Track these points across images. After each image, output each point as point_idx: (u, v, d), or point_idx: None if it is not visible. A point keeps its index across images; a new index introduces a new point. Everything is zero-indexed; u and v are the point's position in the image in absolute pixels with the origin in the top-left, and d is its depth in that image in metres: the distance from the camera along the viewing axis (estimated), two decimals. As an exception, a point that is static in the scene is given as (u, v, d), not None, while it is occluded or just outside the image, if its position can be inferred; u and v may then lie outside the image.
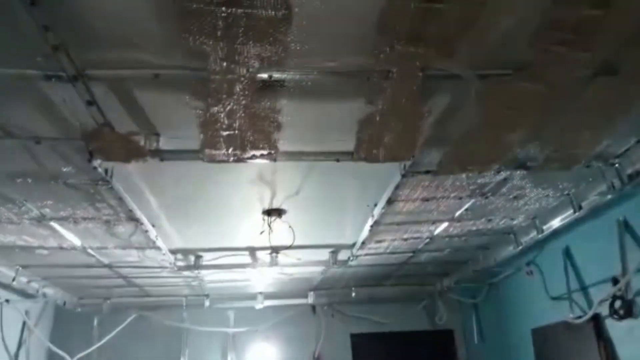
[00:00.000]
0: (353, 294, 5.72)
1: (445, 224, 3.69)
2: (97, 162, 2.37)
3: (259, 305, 5.67)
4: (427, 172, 2.71)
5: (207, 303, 5.64)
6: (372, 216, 3.43)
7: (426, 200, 3.17)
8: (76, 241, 3.58)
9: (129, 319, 5.42)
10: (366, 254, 4.36)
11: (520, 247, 4.02)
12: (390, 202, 3.10)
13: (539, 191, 3.16)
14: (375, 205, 3.30)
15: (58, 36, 1.58)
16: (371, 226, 3.52)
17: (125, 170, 2.61)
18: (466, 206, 3.32)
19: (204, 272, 4.64)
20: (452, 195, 3.14)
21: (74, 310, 5.49)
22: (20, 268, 4.22)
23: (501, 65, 1.93)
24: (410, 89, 1.95)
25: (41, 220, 3.13)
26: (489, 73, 1.94)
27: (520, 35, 1.78)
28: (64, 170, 2.55)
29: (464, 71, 1.90)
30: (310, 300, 5.84)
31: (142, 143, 2.30)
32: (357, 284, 5.65)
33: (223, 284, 5.28)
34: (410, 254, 4.49)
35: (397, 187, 2.88)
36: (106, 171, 2.51)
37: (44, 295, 4.87)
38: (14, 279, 4.20)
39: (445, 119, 2.34)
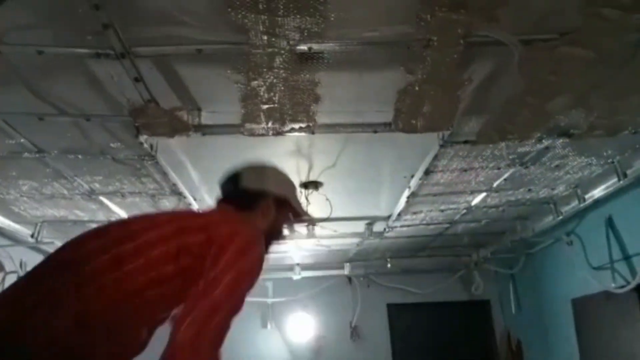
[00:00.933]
0: (389, 265, 5.77)
1: (483, 195, 3.65)
2: (143, 138, 2.46)
3: (297, 276, 5.81)
4: (466, 142, 2.69)
5: (246, 274, 5.80)
6: (409, 187, 3.43)
7: (464, 170, 3.14)
8: (123, 215, 3.74)
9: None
10: (402, 226, 4.38)
11: (560, 217, 3.95)
12: (427, 173, 3.09)
13: (582, 160, 3.08)
14: (412, 176, 3.30)
15: (107, 15, 1.64)
16: (407, 197, 3.53)
17: (168, 145, 2.69)
18: (505, 176, 3.28)
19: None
20: (491, 165, 3.10)
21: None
22: (72, 241, 4.45)
23: (547, 30, 1.88)
24: (451, 57, 1.92)
25: (91, 194, 3.28)
26: (534, 38, 1.89)
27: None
28: (112, 146, 2.66)
29: (507, 37, 1.86)
30: (346, 271, 5.93)
31: (185, 118, 2.37)
32: (392, 255, 5.69)
33: (262, 256, 5.41)
34: (447, 225, 4.48)
35: (435, 158, 2.87)
36: (151, 146, 2.60)
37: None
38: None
39: (486, 86, 2.30)
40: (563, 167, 3.18)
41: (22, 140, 2.45)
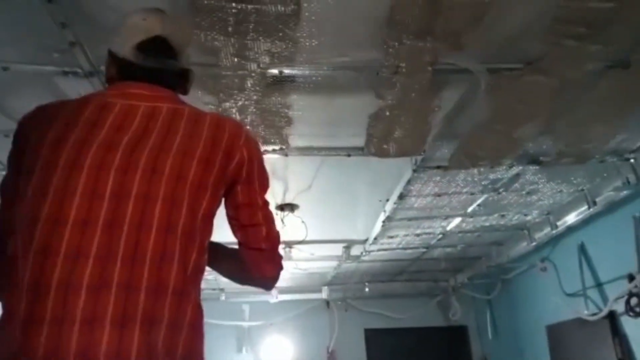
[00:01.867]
0: (366, 289, 5.73)
1: (457, 220, 3.68)
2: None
3: (274, 299, 5.72)
4: (439, 167, 2.72)
5: (222, 297, 5.71)
6: (384, 211, 3.44)
7: (438, 195, 3.17)
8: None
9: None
10: (379, 250, 4.37)
11: (534, 243, 3.99)
12: (402, 197, 3.11)
13: (553, 186, 3.14)
14: (387, 200, 3.31)
15: (74, 33, 1.63)
16: (383, 221, 3.54)
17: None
18: (479, 201, 3.31)
19: (218, 266, 4.70)
20: (465, 190, 3.14)
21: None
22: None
23: (512, 59, 1.93)
24: (419, 83, 1.96)
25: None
26: (500, 67, 1.94)
27: (531, 28, 1.78)
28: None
29: (473, 65, 1.90)
30: (324, 295, 5.87)
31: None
32: (370, 280, 5.67)
33: (238, 278, 5.34)
34: (424, 250, 4.49)
35: (408, 182, 2.89)
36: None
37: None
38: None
39: (456, 113, 2.34)
40: (535, 193, 3.23)
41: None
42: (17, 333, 0.80)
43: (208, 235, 1.02)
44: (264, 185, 1.15)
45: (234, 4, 1.54)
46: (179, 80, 1.22)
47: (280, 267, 1.16)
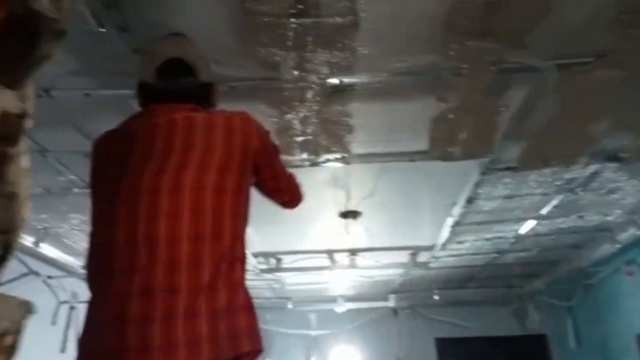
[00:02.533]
0: (436, 297, 5.59)
1: (531, 223, 3.50)
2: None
3: (340, 308, 5.72)
4: (508, 168, 2.61)
5: (289, 305, 5.79)
6: (452, 216, 3.34)
7: (509, 197, 3.04)
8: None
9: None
10: (447, 256, 4.25)
11: (617, 245, 3.71)
12: (470, 201, 3.01)
13: (636, 184, 2.91)
14: (454, 204, 3.22)
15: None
16: (451, 226, 3.44)
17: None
18: (554, 203, 3.14)
19: (284, 274, 4.78)
20: (538, 191, 2.98)
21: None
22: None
23: (580, 53, 1.82)
24: (483, 84, 1.89)
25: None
26: (568, 62, 1.83)
27: (598, 21, 1.67)
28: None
29: (540, 63, 1.81)
30: (391, 303, 5.79)
31: (223, 152, 2.43)
32: (439, 287, 5.52)
33: (304, 287, 5.40)
34: (495, 255, 4.31)
35: (476, 185, 2.80)
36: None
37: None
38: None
39: (525, 112, 2.24)
40: (616, 191, 3.02)
41: (71, 176, 2.60)
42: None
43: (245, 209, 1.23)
44: (278, 157, 1.44)
45: (293, 20, 1.58)
46: (202, 94, 1.33)
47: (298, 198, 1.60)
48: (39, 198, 2.79)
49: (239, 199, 1.17)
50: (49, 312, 3.98)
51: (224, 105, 2.10)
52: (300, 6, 1.52)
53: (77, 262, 3.95)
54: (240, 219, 1.18)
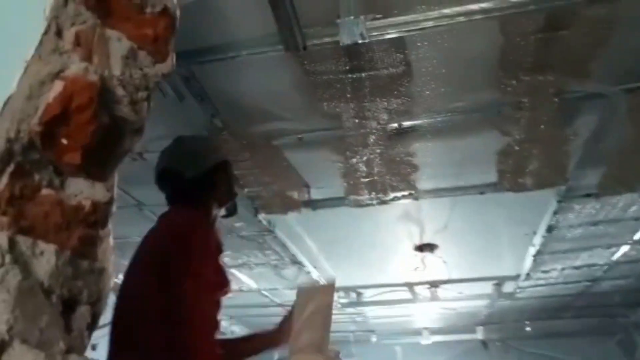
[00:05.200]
0: (528, 328, 5.28)
1: (625, 248, 3.26)
2: (261, 216, 2.73)
3: (426, 340, 5.59)
4: (588, 195, 2.50)
5: (373, 339, 5.75)
6: (533, 245, 3.21)
7: (594, 224, 2.87)
8: (252, 284, 4.05)
9: (303, 354, 5.80)
10: (534, 285, 4.04)
11: None
12: (550, 229, 2.89)
13: None
14: (535, 233, 3.10)
15: (222, 121, 1.94)
16: (533, 255, 3.30)
17: (285, 220, 2.93)
18: (647, 227, 2.92)
19: (366, 308, 4.79)
20: (627, 216, 2.80)
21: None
22: (212, 309, 4.89)
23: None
24: (547, 115, 1.88)
25: (223, 267, 3.64)
26: (636, 86, 1.76)
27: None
28: (237, 225, 2.98)
29: (604, 89, 1.77)
30: (479, 335, 5.56)
31: (296, 196, 2.58)
32: (531, 317, 5.21)
33: (387, 320, 5.36)
34: (588, 283, 4.03)
35: (555, 213, 2.69)
36: (269, 222, 2.86)
37: (232, 332, 5.53)
38: (207, 319, 4.89)
39: (599, 137, 2.15)
40: None
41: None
42: None
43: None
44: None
45: (349, 75, 1.69)
46: (193, 194, 1.35)
47: None
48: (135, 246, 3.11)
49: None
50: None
51: (295, 155, 2.26)
52: (354, 62, 1.64)
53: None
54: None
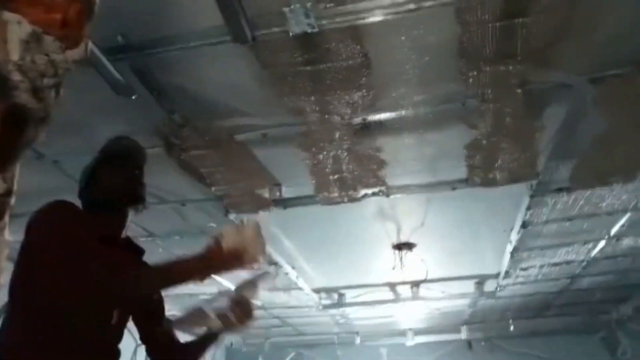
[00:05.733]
0: (511, 327, 5.26)
1: (601, 244, 3.25)
2: (232, 216, 2.67)
3: (410, 341, 5.55)
4: (560, 189, 2.47)
5: (357, 340, 5.71)
6: (510, 242, 3.19)
7: (569, 220, 2.85)
8: (230, 286, 3.98)
9: (288, 358, 5.75)
10: (514, 283, 4.02)
11: None
12: (525, 225, 2.87)
13: None
14: (512, 229, 3.07)
15: (182, 115, 1.89)
16: (511, 253, 3.27)
17: (258, 219, 2.87)
18: (622, 222, 2.90)
19: (348, 309, 4.74)
20: (601, 211, 2.78)
21: (240, 350, 6.01)
22: (192, 313, 4.82)
23: (616, 63, 1.72)
24: (512, 107, 1.85)
25: (199, 270, 3.58)
26: (604, 75, 1.74)
27: (632, 27, 1.58)
28: (209, 225, 2.92)
29: (570, 79, 1.74)
30: (463, 335, 5.53)
31: (266, 195, 2.53)
32: (514, 316, 5.20)
33: (370, 321, 5.31)
34: (568, 280, 4.02)
35: (528, 209, 2.67)
36: (242, 222, 2.80)
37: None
38: (188, 323, 4.81)
39: (569, 129, 2.13)
40: (694, 205, 2.73)
41: (134, 226, 2.81)
42: None
43: None
44: None
45: (307, 67, 1.65)
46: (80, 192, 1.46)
47: None
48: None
49: None
50: (127, 354, 4.23)
51: (261, 152, 2.22)
52: (311, 54, 1.59)
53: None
54: None
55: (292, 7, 1.32)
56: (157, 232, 2.96)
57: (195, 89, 1.81)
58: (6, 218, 0.65)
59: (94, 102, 1.83)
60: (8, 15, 0.72)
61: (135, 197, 1.45)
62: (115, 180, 1.41)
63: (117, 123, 1.98)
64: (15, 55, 0.71)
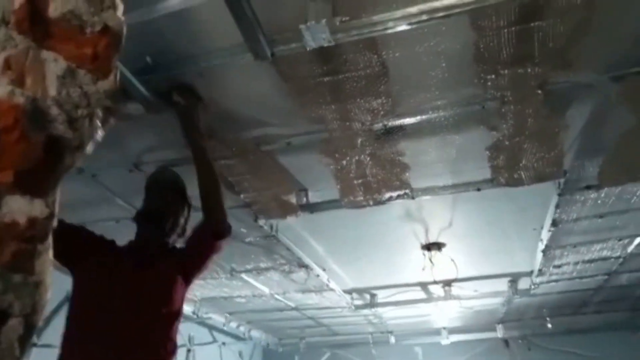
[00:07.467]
0: (549, 325, 5.16)
1: (637, 240, 3.17)
2: (261, 221, 2.75)
3: (445, 340, 5.53)
4: (588, 187, 2.43)
5: (392, 339, 5.72)
6: (541, 240, 3.15)
7: (601, 217, 2.80)
8: (264, 289, 4.09)
9: (323, 358, 5.82)
10: (549, 281, 3.95)
11: None
12: (555, 224, 2.83)
13: None
14: (542, 227, 3.04)
15: (209, 128, 1.98)
16: (542, 251, 3.23)
17: (288, 224, 2.95)
18: (658, 216, 2.82)
19: (381, 309, 4.77)
20: (633, 207, 2.72)
21: (277, 350, 6.13)
22: (228, 315, 4.96)
23: (637, 61, 1.70)
24: (533, 108, 1.84)
25: (233, 273, 3.69)
26: (624, 73, 1.72)
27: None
28: (242, 230, 3.01)
29: (592, 78, 1.73)
30: (499, 333, 5.46)
31: (293, 200, 2.60)
32: (551, 314, 5.10)
33: (404, 320, 5.33)
34: (605, 277, 3.92)
35: (557, 207, 2.63)
36: (271, 227, 2.89)
37: (251, 337, 5.59)
38: (224, 324, 4.96)
39: (595, 127, 2.10)
40: None
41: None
42: None
43: None
44: None
45: (326, 78, 1.70)
46: None
47: None
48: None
49: None
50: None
51: (287, 159, 2.29)
52: (329, 65, 1.65)
53: (188, 309, 4.34)
54: None
55: (308, 23, 1.37)
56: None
57: (222, 102, 1.89)
58: (49, 239, 0.73)
59: (127, 119, 1.94)
60: (46, 54, 0.80)
61: (148, 217, 1.86)
62: (144, 203, 1.93)
63: (148, 139, 2.09)
64: (53, 91, 0.79)
